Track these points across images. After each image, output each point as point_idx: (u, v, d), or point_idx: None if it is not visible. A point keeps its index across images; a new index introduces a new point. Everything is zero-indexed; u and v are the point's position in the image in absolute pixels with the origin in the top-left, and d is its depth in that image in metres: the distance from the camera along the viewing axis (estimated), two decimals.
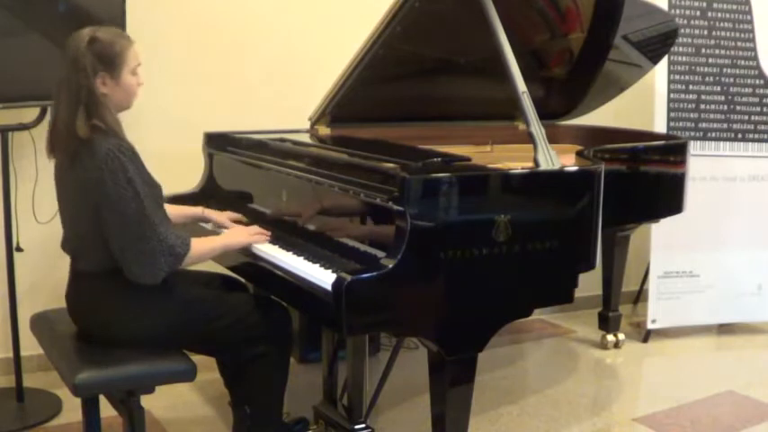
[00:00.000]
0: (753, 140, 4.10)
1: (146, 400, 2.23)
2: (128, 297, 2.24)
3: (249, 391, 2.48)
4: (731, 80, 4.05)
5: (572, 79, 3.51)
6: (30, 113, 3.05)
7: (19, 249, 3.15)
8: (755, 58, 4.07)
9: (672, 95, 4.00)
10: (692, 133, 4.01)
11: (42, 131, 3.14)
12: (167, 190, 3.02)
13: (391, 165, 2.28)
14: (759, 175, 4.11)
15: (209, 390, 3.17)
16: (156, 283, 2.20)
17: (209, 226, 2.77)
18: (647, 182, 3.26)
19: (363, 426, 2.64)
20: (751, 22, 4.06)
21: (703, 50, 4.02)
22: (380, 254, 2.12)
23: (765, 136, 4.11)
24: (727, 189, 4.07)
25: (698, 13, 4.00)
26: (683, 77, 4.01)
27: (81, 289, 2.32)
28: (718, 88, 4.05)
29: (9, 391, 3.11)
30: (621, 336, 3.98)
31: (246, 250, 2.51)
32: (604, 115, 3.84)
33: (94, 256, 2.25)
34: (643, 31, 3.42)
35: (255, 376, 2.43)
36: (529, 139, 2.42)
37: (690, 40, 3.99)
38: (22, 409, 3.05)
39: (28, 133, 3.14)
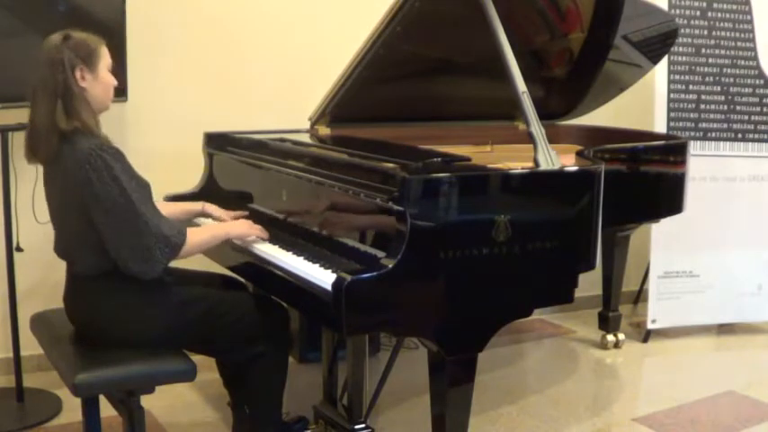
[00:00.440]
0: (753, 140, 4.10)
1: (146, 400, 2.23)
2: (126, 298, 2.24)
3: (249, 391, 2.48)
4: (731, 80, 4.05)
5: (572, 79, 3.51)
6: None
7: (19, 249, 3.15)
8: (755, 58, 4.07)
9: (672, 95, 4.00)
10: (692, 133, 4.01)
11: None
12: (167, 190, 3.04)
13: (391, 165, 2.27)
14: (759, 175, 4.11)
15: (209, 390, 3.17)
16: (154, 276, 2.18)
17: (209, 221, 2.77)
18: (647, 182, 3.26)
19: (363, 426, 2.65)
20: (751, 22, 4.06)
21: (703, 50, 4.02)
22: (380, 254, 2.11)
23: (765, 136, 4.11)
24: (727, 189, 4.07)
25: (698, 13, 4.00)
26: (683, 77, 4.01)
27: (78, 292, 2.32)
28: (718, 88, 4.05)
29: (9, 391, 3.11)
30: (621, 336, 3.98)
31: (246, 250, 2.51)
32: (604, 115, 3.84)
33: (89, 258, 2.24)
34: (643, 31, 3.42)
35: (255, 376, 2.43)
36: (529, 139, 2.42)
37: (690, 40, 3.99)
38: (22, 409, 3.05)
39: None
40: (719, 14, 4.02)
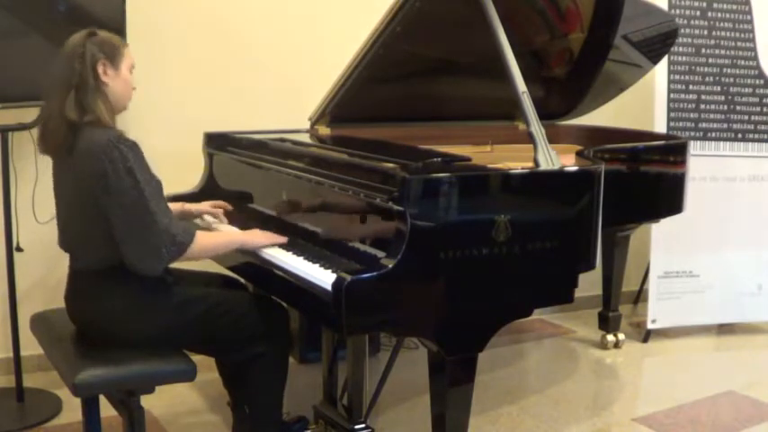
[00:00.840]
0: (753, 140, 4.10)
1: (146, 400, 2.23)
2: (127, 296, 2.24)
3: (249, 391, 2.48)
4: (731, 80, 4.06)
5: (572, 79, 3.51)
6: (30, 113, 3.04)
7: (19, 249, 3.15)
8: (755, 58, 4.07)
9: (672, 95, 4.00)
10: (692, 133, 4.01)
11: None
12: (168, 190, 3.01)
13: (391, 165, 2.27)
14: (759, 175, 4.11)
15: (209, 390, 3.17)
16: (156, 273, 2.18)
17: (198, 221, 2.77)
18: (647, 182, 3.26)
19: (363, 426, 2.64)
20: (751, 22, 4.06)
21: (703, 50, 4.02)
22: (380, 254, 2.11)
23: (765, 136, 4.11)
24: (727, 189, 4.07)
25: (698, 13, 4.00)
26: (683, 77, 4.01)
27: (80, 289, 2.32)
28: (718, 88, 4.05)
29: (9, 391, 3.11)
30: (621, 336, 3.98)
31: (246, 250, 2.50)
32: (604, 115, 3.84)
33: (93, 253, 2.24)
34: (643, 31, 3.42)
35: (255, 376, 2.43)
36: (529, 139, 2.42)
37: (690, 40, 3.99)
38: (22, 409, 3.05)
39: (28, 133, 3.14)
40: (719, 14, 4.02)
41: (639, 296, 4.63)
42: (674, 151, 3.40)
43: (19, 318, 3.05)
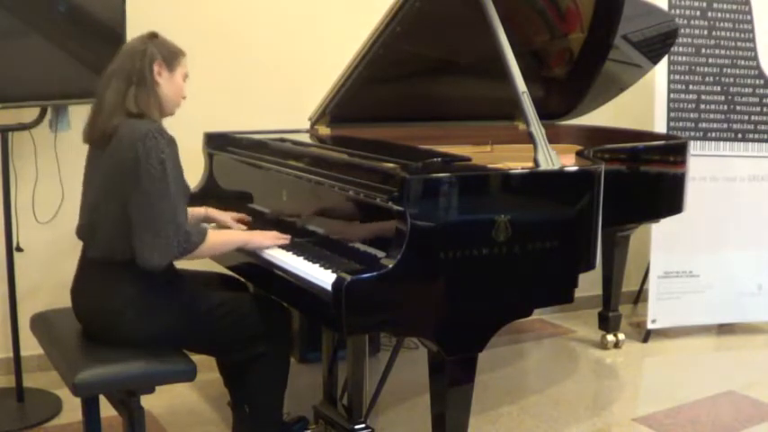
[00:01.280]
0: (753, 140, 4.10)
1: (146, 400, 2.23)
2: (132, 291, 2.24)
3: (249, 391, 2.48)
4: (731, 80, 4.06)
5: (572, 79, 3.51)
6: (30, 113, 3.05)
7: (19, 249, 3.15)
8: (755, 58, 4.07)
9: (672, 95, 4.00)
10: (692, 133, 4.01)
11: (42, 131, 3.16)
12: None
13: (391, 165, 2.27)
14: (759, 175, 4.11)
15: (210, 390, 3.17)
16: (162, 266, 2.18)
17: (212, 226, 2.77)
18: (647, 182, 3.26)
19: (363, 426, 2.64)
20: (751, 22, 4.06)
21: (703, 50, 4.02)
22: (380, 254, 2.11)
23: (765, 136, 4.11)
24: (727, 189, 4.07)
25: (698, 13, 4.00)
26: (683, 77, 4.01)
27: (88, 278, 2.32)
28: (718, 88, 4.05)
29: (9, 391, 3.11)
30: (621, 336, 3.98)
31: (246, 250, 2.50)
32: (604, 115, 3.84)
33: (109, 242, 2.23)
34: (643, 31, 3.42)
35: (255, 376, 2.43)
36: (529, 139, 2.42)
37: (690, 40, 3.99)
38: (22, 409, 3.05)
39: (28, 133, 3.14)
40: (719, 14, 4.02)
41: (639, 296, 4.63)
42: (674, 151, 3.40)
43: (19, 318, 3.05)
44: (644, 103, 4.07)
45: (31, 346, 2.81)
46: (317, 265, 2.26)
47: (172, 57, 2.31)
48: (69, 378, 2.12)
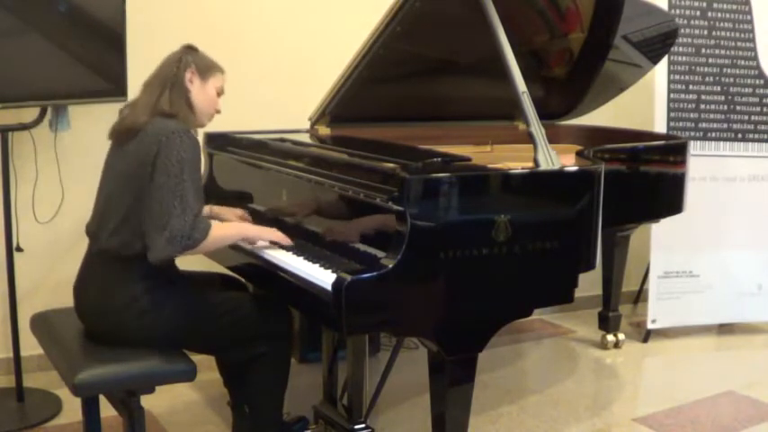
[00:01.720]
0: (753, 140, 4.10)
1: (146, 400, 2.23)
2: (135, 288, 2.24)
3: (249, 391, 2.48)
4: (731, 80, 4.06)
5: (572, 79, 3.51)
6: (30, 113, 3.05)
7: (19, 249, 3.15)
8: (755, 58, 4.07)
9: (672, 95, 4.00)
10: (692, 133, 4.01)
11: (42, 131, 3.16)
12: None
13: (391, 165, 2.27)
14: (759, 175, 4.11)
15: (210, 390, 3.17)
16: (161, 260, 2.18)
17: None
18: (647, 182, 3.26)
19: (363, 426, 2.65)
20: (751, 22, 4.06)
21: (703, 50, 4.02)
22: (380, 254, 2.11)
23: (765, 136, 4.11)
24: (727, 189, 4.07)
25: (698, 13, 4.00)
26: (683, 77, 4.01)
27: (92, 273, 2.32)
28: (718, 88, 4.05)
29: (9, 391, 3.11)
30: (621, 336, 3.98)
31: (247, 250, 2.51)
32: (604, 115, 3.84)
33: (118, 237, 2.24)
34: (643, 31, 3.42)
35: (255, 376, 2.43)
36: (529, 139, 2.42)
37: (690, 40, 3.99)
38: (22, 409, 3.05)
39: (28, 133, 3.14)
40: (719, 14, 4.02)
41: (639, 296, 4.63)
42: (674, 151, 3.40)
43: (19, 318, 3.05)
44: (644, 103, 4.07)
45: (31, 346, 2.82)
46: (317, 264, 2.26)
47: (206, 68, 2.41)
48: (69, 378, 2.12)
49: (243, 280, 2.70)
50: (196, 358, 2.29)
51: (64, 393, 2.92)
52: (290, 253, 2.40)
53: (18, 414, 3.02)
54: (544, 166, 2.36)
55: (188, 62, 2.38)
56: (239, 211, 2.74)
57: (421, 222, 2.06)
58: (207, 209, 2.75)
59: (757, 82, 4.08)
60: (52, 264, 3.35)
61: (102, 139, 2.42)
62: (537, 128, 2.41)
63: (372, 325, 2.15)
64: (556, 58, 3.46)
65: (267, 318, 2.42)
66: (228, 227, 2.49)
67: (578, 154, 2.74)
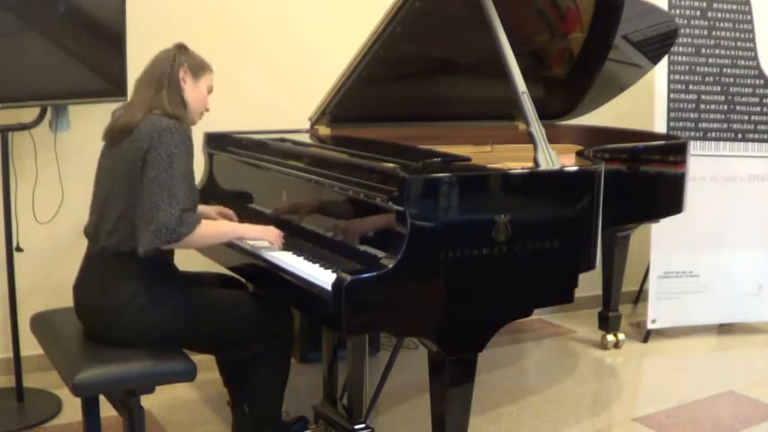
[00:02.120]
0: (753, 140, 4.10)
1: (146, 400, 2.23)
2: (133, 289, 2.24)
3: (248, 391, 2.48)
4: (731, 80, 4.06)
5: (572, 79, 3.51)
6: (30, 113, 3.05)
7: (19, 249, 3.15)
8: (755, 58, 4.07)
9: (672, 95, 4.00)
10: (692, 133, 4.01)
11: (42, 131, 3.16)
12: None
13: (391, 165, 2.28)
14: (759, 175, 4.11)
15: (210, 390, 3.17)
16: (147, 252, 2.18)
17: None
18: (647, 182, 3.26)
19: (363, 426, 2.65)
20: (751, 22, 4.06)
21: (703, 50, 4.02)
22: (380, 254, 2.11)
23: (765, 136, 4.11)
24: (727, 189, 4.07)
25: (698, 13, 4.00)
26: (683, 77, 4.01)
27: (91, 273, 2.32)
28: (718, 88, 4.05)
29: (9, 391, 3.11)
30: (621, 336, 3.98)
31: (247, 250, 2.51)
32: (604, 115, 3.84)
33: (115, 235, 2.25)
34: (643, 31, 3.42)
35: (255, 376, 2.43)
36: (529, 139, 2.42)
37: (690, 40, 4.00)
38: (22, 409, 3.05)
39: (28, 133, 3.14)
40: (719, 14, 4.02)
41: (639, 296, 4.63)
42: (674, 151, 3.40)
43: (19, 318, 3.05)
44: (644, 103, 4.07)
45: (31, 346, 2.82)
46: (318, 264, 2.26)
47: (198, 67, 2.44)
48: (69, 378, 2.12)
49: (243, 280, 2.70)
50: (196, 358, 2.29)
51: (64, 393, 2.92)
52: (290, 253, 2.40)
53: (18, 414, 3.02)
54: (544, 166, 2.36)
55: (181, 61, 2.40)
56: (219, 208, 2.75)
57: (421, 222, 2.06)
58: (213, 210, 2.76)
59: (757, 82, 4.08)
60: (52, 264, 3.35)
61: None
62: (537, 128, 2.41)
63: (372, 325, 2.15)
64: (556, 58, 3.46)
65: (267, 317, 2.42)
66: (220, 225, 2.49)
67: (578, 154, 2.75)
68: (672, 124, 4.00)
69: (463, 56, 3.15)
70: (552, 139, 2.52)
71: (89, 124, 3.17)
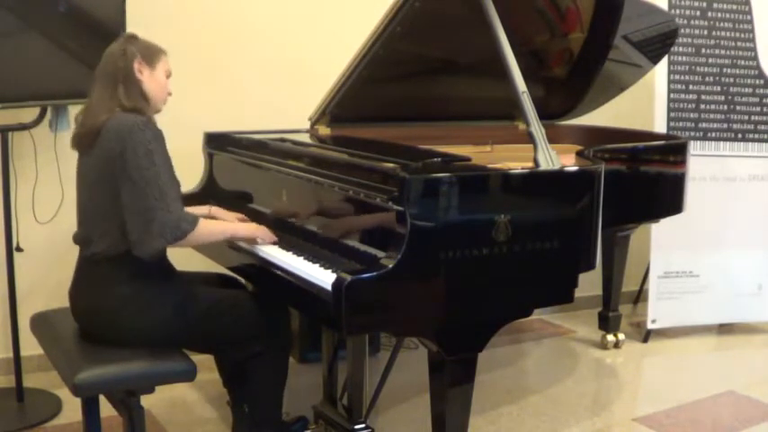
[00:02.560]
0: (753, 140, 4.10)
1: (146, 400, 2.23)
2: (130, 288, 2.25)
3: (248, 391, 2.48)
4: (731, 80, 4.06)
5: (572, 79, 3.51)
6: (30, 113, 3.05)
7: (19, 249, 3.15)
8: (755, 58, 4.07)
9: (672, 95, 4.00)
10: (692, 133, 4.01)
11: (42, 131, 3.16)
12: None
13: (391, 165, 2.27)
14: (759, 175, 4.11)
15: (209, 390, 3.17)
16: (154, 254, 2.18)
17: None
18: (647, 182, 3.26)
19: (363, 426, 2.64)
20: (751, 22, 4.06)
21: (703, 50, 4.02)
22: (380, 254, 2.11)
23: (765, 136, 4.11)
24: (727, 189, 4.07)
25: (698, 13, 4.00)
26: (683, 77, 4.01)
27: (86, 277, 2.32)
28: (718, 88, 4.05)
29: (9, 391, 3.11)
30: (621, 336, 3.98)
31: (246, 250, 2.51)
32: (604, 115, 3.84)
33: (104, 240, 2.25)
34: (643, 31, 3.42)
35: (254, 376, 2.43)
36: (529, 139, 2.42)
37: (690, 40, 4.00)
38: (22, 409, 3.05)
39: (28, 133, 3.15)
40: (719, 14, 4.02)
41: (639, 296, 4.63)
42: (674, 151, 3.40)
43: (19, 318, 3.05)
44: (644, 103, 4.07)
45: (31, 346, 2.82)
46: (318, 264, 2.26)
47: (151, 55, 2.37)
48: (69, 378, 2.12)
49: (242, 280, 2.70)
50: (196, 358, 2.29)
51: (64, 393, 2.92)
52: (290, 253, 2.40)
53: (18, 414, 3.02)
54: (544, 166, 2.36)
55: (133, 53, 2.33)
56: (240, 215, 2.74)
57: (421, 222, 2.06)
58: (205, 209, 2.75)
59: (757, 82, 4.08)
60: (52, 264, 3.34)
61: None
62: (537, 128, 2.41)
63: (372, 325, 2.15)
64: (556, 58, 3.46)
65: (265, 317, 2.42)
66: (216, 223, 2.50)
67: (578, 154, 2.74)
68: (672, 124, 4.00)
69: (463, 56, 3.15)
70: (552, 139, 2.52)
71: None
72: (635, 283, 4.56)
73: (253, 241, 2.49)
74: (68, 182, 3.27)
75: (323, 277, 2.14)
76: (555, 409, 3.21)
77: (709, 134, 4.06)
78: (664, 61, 3.85)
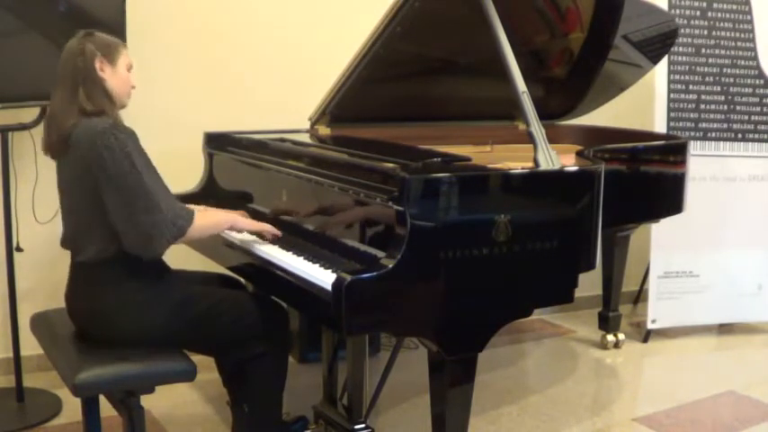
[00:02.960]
0: (753, 140, 4.10)
1: (146, 400, 2.23)
2: (126, 291, 2.24)
3: (248, 391, 2.48)
4: (731, 80, 4.06)
5: (572, 79, 3.51)
6: (30, 113, 3.05)
7: (19, 249, 3.15)
8: (755, 58, 4.07)
9: (672, 95, 4.00)
10: (692, 133, 4.01)
11: (42, 131, 3.16)
12: None
13: (391, 165, 2.27)
14: (759, 175, 4.11)
15: (209, 390, 3.17)
16: (157, 257, 2.19)
17: (201, 208, 2.77)
18: (646, 182, 3.26)
19: (363, 426, 2.64)
20: (751, 22, 4.06)
21: (703, 50, 4.02)
22: (380, 254, 2.11)
23: (765, 136, 4.11)
24: (727, 189, 4.07)
25: (698, 13, 4.00)
26: (683, 77, 4.02)
27: (80, 283, 2.32)
28: (718, 88, 4.05)
29: (9, 391, 3.11)
30: (621, 336, 3.98)
31: (246, 250, 2.51)
32: (604, 115, 3.84)
33: (93, 245, 2.24)
34: (643, 30, 3.42)
35: (254, 376, 2.43)
36: (529, 139, 2.42)
37: (690, 40, 4.00)
38: (22, 409, 3.05)
39: (28, 133, 3.14)
40: (719, 14, 4.02)
41: (639, 296, 4.63)
42: (673, 151, 3.40)
43: (19, 318, 3.05)
44: (644, 103, 4.07)
45: (31, 346, 2.82)
46: (317, 264, 2.26)
47: (111, 50, 2.31)
48: (69, 378, 2.12)
49: (242, 280, 2.70)
50: (196, 358, 2.29)
51: (64, 393, 2.92)
52: (290, 253, 2.40)
53: (18, 414, 3.02)
54: (544, 166, 2.36)
55: (93, 51, 2.26)
56: (240, 212, 2.74)
57: (421, 222, 2.06)
58: (201, 209, 2.75)
59: (757, 82, 4.08)
60: (52, 264, 3.34)
61: None
62: (537, 128, 2.41)
63: (372, 325, 2.15)
64: (556, 58, 3.46)
65: (265, 317, 2.42)
66: (215, 213, 2.48)
67: (578, 154, 2.74)
68: (672, 124, 4.00)
69: (463, 56, 3.15)
70: (552, 139, 2.52)
71: None
72: (635, 283, 4.56)
73: (258, 235, 2.49)
74: None
75: (323, 277, 2.14)
76: (555, 409, 3.21)
77: (709, 134, 4.06)
78: (664, 61, 3.85)
